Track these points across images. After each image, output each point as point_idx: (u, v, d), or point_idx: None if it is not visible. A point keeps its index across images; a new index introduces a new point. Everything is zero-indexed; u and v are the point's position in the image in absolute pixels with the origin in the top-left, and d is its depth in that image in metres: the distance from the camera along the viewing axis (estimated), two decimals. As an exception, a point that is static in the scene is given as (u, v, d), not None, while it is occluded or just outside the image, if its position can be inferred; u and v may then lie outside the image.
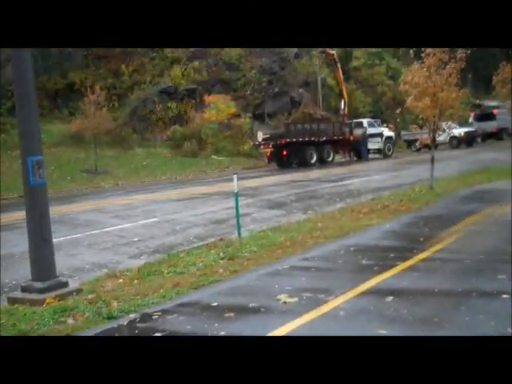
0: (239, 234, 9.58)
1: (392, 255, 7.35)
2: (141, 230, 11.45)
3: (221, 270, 7.12)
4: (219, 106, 34.96)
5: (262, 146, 29.34)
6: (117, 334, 5.01)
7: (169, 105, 35.55)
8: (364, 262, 7.13)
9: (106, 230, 11.65)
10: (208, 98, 35.67)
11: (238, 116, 36.12)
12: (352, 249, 8.01)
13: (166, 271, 7.25)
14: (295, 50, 43.13)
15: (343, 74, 37.03)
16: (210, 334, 4.68)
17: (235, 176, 9.98)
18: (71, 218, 13.94)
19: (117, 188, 23.01)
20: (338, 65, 35.64)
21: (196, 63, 38.47)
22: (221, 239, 9.45)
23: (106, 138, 30.60)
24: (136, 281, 6.89)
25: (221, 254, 8.11)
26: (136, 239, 10.49)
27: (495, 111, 41.55)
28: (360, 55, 50.26)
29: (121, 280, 7.01)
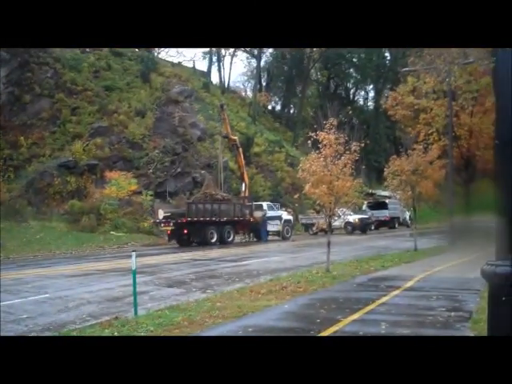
0: (136, 313, 9.32)
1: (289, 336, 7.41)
2: (31, 307, 10.82)
3: (115, 350, 6.84)
4: (120, 183, 34.57)
5: (162, 224, 29.13)
6: None
7: (68, 179, 34.64)
8: (262, 342, 7.12)
9: (-9, 305, 10.92)
10: (109, 174, 35.22)
11: (139, 193, 35.84)
12: (250, 329, 7.98)
13: (55, 350, 6.86)
14: (198, 133, 44.05)
15: (244, 158, 38.08)
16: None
17: (134, 253, 9.82)
18: (-47, 292, 12.96)
19: (7, 261, 21.73)
20: (240, 150, 36.64)
21: (98, 140, 38.10)
22: (116, 318, 9.15)
23: (-3, 209, 29.21)
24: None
25: (115, 333, 7.82)
26: (25, 316, 9.88)
27: (387, 201, 43.99)
28: (261, 142, 52.05)
29: (5, 359, 6.54)
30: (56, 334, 8.11)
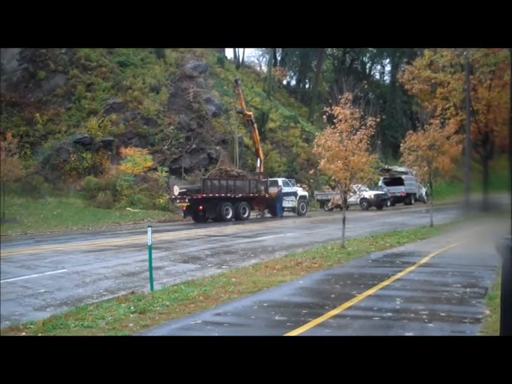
0: (152, 288, 9.41)
1: (304, 311, 7.46)
2: (48, 281, 10.97)
3: (131, 325, 6.93)
4: (136, 159, 34.70)
5: (178, 200, 29.22)
6: None
7: (84, 155, 34.89)
8: (277, 318, 7.17)
9: (10, 280, 11.06)
10: (124, 151, 35.34)
11: (154, 169, 35.98)
12: (265, 304, 8.05)
13: (72, 325, 6.97)
14: (213, 108, 43.89)
15: (259, 134, 37.95)
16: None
17: (149, 229, 9.88)
18: (-27, 267, 13.16)
19: (25, 237, 22.02)
20: (255, 125, 36.52)
21: (113, 116, 38.20)
22: (132, 292, 9.26)
23: (15, 185, 29.51)
24: (40, 334, 6.56)
25: (132, 307, 7.93)
26: (42, 291, 10.04)
27: (403, 176, 43.67)
28: (276, 118, 51.77)
29: (24, 333, 6.66)
30: (73, 308, 8.23)
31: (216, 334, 6.34)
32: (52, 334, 6.52)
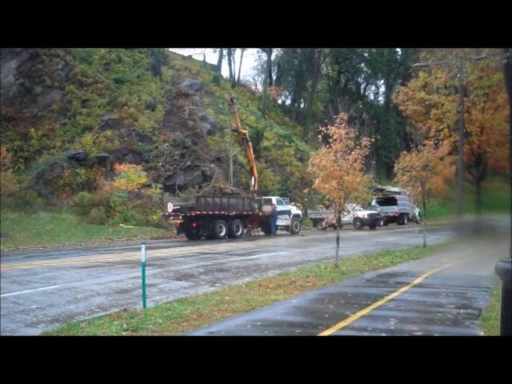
0: (144, 305, 9.35)
1: (298, 331, 7.41)
2: (40, 298, 10.87)
3: (123, 342, 6.87)
4: (130, 176, 34.70)
5: (171, 217, 29.16)
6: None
7: (78, 171, 34.84)
8: (270, 337, 7.13)
9: (1, 295, 10.93)
10: (119, 167, 35.33)
11: (148, 186, 35.93)
12: (259, 324, 7.99)
13: (64, 341, 6.90)
14: (208, 126, 44.07)
15: (254, 152, 38.03)
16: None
17: (143, 245, 9.83)
18: (-37, 282, 13.04)
19: (17, 252, 21.89)
20: (250, 144, 36.62)
21: (108, 132, 38.25)
22: (125, 310, 9.18)
23: (8, 200, 29.38)
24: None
25: (124, 325, 7.85)
26: (34, 307, 9.94)
27: (397, 196, 43.84)
28: (271, 136, 51.97)
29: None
30: (64, 324, 8.16)
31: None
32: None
